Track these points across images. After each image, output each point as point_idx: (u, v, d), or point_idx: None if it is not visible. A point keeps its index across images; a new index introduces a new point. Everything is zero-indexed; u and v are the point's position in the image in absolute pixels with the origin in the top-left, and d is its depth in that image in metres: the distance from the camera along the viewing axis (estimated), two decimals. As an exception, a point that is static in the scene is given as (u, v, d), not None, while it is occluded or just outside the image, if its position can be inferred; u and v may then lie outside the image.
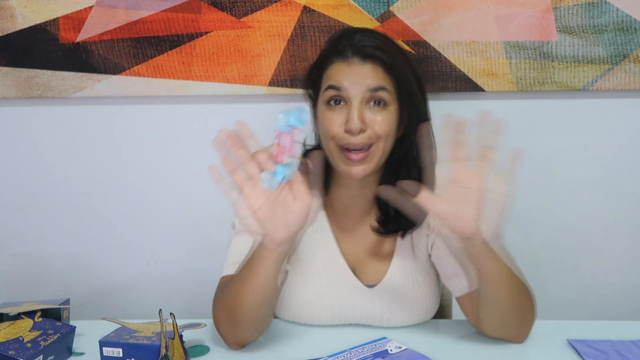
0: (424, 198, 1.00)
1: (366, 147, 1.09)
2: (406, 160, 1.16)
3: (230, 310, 1.07)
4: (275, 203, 0.99)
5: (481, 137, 0.99)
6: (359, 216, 1.21)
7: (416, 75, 1.16)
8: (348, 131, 1.08)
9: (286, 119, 0.97)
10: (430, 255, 1.21)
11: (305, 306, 1.18)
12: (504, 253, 1.08)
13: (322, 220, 1.21)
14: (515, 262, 1.11)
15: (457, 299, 1.18)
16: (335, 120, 1.10)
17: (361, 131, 1.08)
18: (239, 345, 1.11)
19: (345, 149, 1.10)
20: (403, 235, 1.19)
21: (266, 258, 1.02)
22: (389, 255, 1.20)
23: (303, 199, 0.99)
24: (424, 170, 1.10)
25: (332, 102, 1.11)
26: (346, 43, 1.11)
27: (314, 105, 1.17)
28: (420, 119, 1.14)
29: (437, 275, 1.23)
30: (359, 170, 1.10)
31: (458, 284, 1.16)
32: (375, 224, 1.18)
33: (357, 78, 1.09)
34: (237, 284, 1.07)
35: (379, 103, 1.10)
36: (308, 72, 1.19)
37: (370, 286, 1.19)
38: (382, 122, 1.09)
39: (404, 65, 1.13)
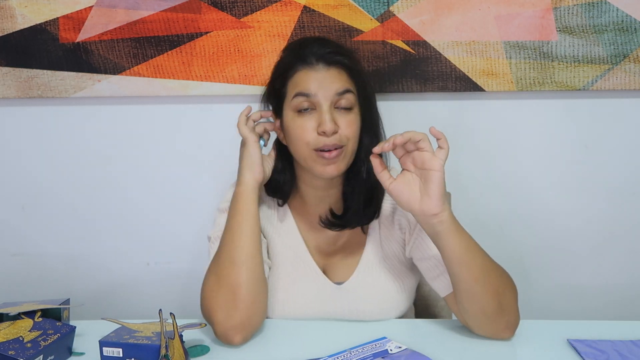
0: (388, 180, 1.09)
1: (338, 147, 1.16)
2: (364, 161, 1.22)
3: (225, 280, 1.11)
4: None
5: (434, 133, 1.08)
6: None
7: (370, 83, 1.25)
8: (322, 134, 1.14)
9: None
10: (410, 258, 1.24)
11: (281, 305, 1.23)
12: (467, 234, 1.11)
13: (289, 222, 1.28)
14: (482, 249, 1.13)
15: (445, 298, 1.19)
16: (307, 126, 1.16)
17: (334, 132, 1.14)
18: (237, 331, 1.10)
19: (320, 150, 1.16)
20: (344, 228, 1.24)
21: (246, 186, 1.17)
22: (358, 254, 1.26)
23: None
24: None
25: (301, 110, 1.16)
26: (308, 52, 1.18)
27: (279, 115, 1.22)
28: (374, 123, 1.24)
29: (412, 273, 1.26)
30: (332, 169, 1.16)
31: (443, 284, 1.17)
32: (326, 217, 1.23)
33: (324, 83, 1.15)
34: (226, 242, 1.15)
35: (346, 106, 1.16)
36: (269, 85, 1.25)
37: (339, 283, 1.24)
38: (351, 124, 1.16)
39: (363, 71, 1.23)
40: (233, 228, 1.16)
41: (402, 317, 1.27)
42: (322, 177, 1.19)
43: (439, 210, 1.06)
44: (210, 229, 1.30)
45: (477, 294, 1.09)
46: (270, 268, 1.25)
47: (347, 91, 1.16)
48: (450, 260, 1.09)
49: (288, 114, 1.18)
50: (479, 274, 1.08)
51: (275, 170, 1.26)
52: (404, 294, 1.24)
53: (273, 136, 1.29)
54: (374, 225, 1.26)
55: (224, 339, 1.11)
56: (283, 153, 1.25)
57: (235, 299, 1.10)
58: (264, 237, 1.27)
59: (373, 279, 1.23)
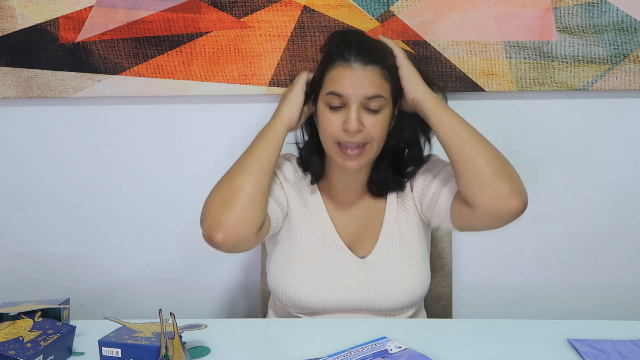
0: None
1: (361, 145, 1.23)
2: (396, 148, 1.33)
3: (229, 181, 1.20)
4: None
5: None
6: (353, 197, 1.35)
7: None
8: (346, 131, 1.22)
9: None
10: (421, 213, 1.33)
11: (304, 278, 1.28)
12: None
13: (318, 201, 1.35)
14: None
15: (451, 206, 1.26)
16: (334, 121, 1.23)
17: (358, 131, 1.21)
18: (222, 229, 1.15)
19: (342, 145, 1.23)
20: (381, 195, 1.35)
21: (281, 122, 1.25)
22: (378, 228, 1.34)
23: None
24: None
25: (332, 106, 1.24)
26: (347, 46, 1.24)
27: (314, 100, 1.29)
28: (410, 114, 1.31)
29: (427, 242, 1.36)
30: (354, 164, 1.25)
31: (445, 196, 1.27)
32: (369, 186, 1.34)
33: (357, 84, 1.21)
34: (242, 156, 1.24)
35: (374, 109, 1.22)
36: (314, 75, 1.31)
37: (362, 257, 1.32)
38: (377, 125, 1.23)
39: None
40: (254, 146, 1.24)
41: (413, 314, 1.34)
42: (343, 169, 1.27)
43: (414, 94, 1.23)
44: None
45: (468, 157, 1.19)
46: (278, 244, 1.33)
47: (377, 96, 1.22)
48: (439, 131, 1.21)
49: (321, 104, 1.26)
50: (467, 138, 1.20)
51: (308, 150, 1.34)
52: (422, 269, 1.31)
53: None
54: (392, 199, 1.35)
55: (207, 236, 1.17)
56: (316, 135, 1.31)
57: (232, 198, 1.17)
58: (288, 216, 1.32)
59: (393, 251, 1.31)
